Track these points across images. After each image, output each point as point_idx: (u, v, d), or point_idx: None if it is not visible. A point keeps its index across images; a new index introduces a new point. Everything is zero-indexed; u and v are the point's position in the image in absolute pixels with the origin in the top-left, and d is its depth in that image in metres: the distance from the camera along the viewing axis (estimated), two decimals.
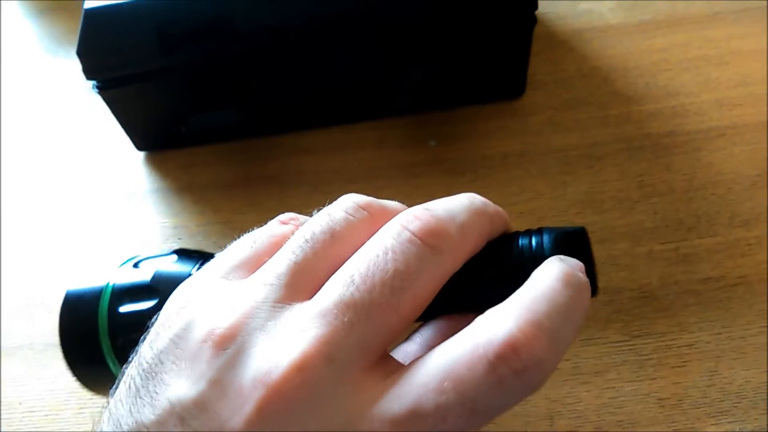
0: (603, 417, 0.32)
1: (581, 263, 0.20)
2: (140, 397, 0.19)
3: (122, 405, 0.20)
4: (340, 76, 0.41)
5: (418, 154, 0.42)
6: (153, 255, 0.32)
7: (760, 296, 0.34)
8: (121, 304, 0.29)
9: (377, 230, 0.21)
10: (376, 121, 0.44)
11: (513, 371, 0.17)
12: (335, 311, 0.19)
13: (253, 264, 0.22)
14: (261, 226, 0.37)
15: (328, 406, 0.18)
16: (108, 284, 0.30)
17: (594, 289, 0.20)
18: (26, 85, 0.49)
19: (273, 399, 0.18)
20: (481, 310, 0.19)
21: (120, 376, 0.21)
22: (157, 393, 0.19)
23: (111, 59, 0.38)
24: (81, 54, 0.37)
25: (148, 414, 0.19)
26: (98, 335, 0.29)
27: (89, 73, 0.38)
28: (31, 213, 0.43)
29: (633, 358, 0.33)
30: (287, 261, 0.21)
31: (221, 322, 0.20)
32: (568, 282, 0.19)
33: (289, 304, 0.20)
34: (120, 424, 0.19)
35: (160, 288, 0.29)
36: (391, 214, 0.22)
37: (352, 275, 0.20)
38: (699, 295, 0.34)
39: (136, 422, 0.19)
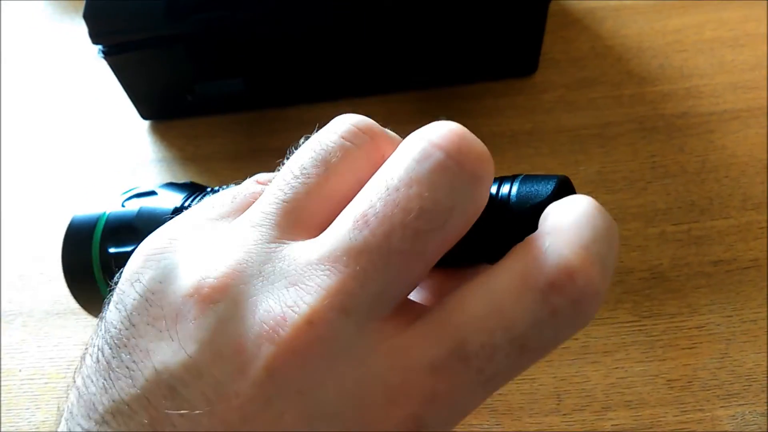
0: (611, 397, 0.31)
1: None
2: (113, 370, 0.16)
3: (92, 382, 0.17)
4: (349, 48, 0.40)
5: None
6: (151, 189, 0.31)
7: None
8: (109, 245, 0.29)
9: (382, 159, 0.18)
10: (386, 95, 0.43)
11: (569, 301, 0.15)
12: (345, 258, 0.16)
13: (233, 215, 0.19)
14: None
15: (350, 360, 0.15)
16: (104, 213, 0.30)
17: None
18: (31, 51, 0.48)
19: (284, 357, 0.15)
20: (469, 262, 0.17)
21: (85, 348, 0.18)
22: (134, 363, 0.16)
23: (118, 23, 0.37)
24: (87, 17, 0.37)
25: (127, 389, 0.16)
26: (92, 264, 0.29)
27: (95, 37, 0.37)
28: (33, 180, 0.42)
29: (642, 339, 0.33)
30: (275, 199, 0.18)
31: (209, 271, 0.17)
32: (602, 209, 0.16)
33: (287, 243, 0.17)
34: (94, 406, 0.16)
35: (142, 228, 0.28)
36: (398, 144, 0.18)
37: (366, 214, 0.16)
38: (710, 277, 0.34)
39: (113, 401, 0.16)
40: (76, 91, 0.46)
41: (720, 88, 0.41)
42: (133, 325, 0.17)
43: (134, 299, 0.17)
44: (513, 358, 0.15)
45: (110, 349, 0.17)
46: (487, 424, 0.31)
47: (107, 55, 0.38)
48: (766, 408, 0.30)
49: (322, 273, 0.16)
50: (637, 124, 0.40)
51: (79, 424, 0.16)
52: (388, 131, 0.19)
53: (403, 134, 0.41)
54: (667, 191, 0.37)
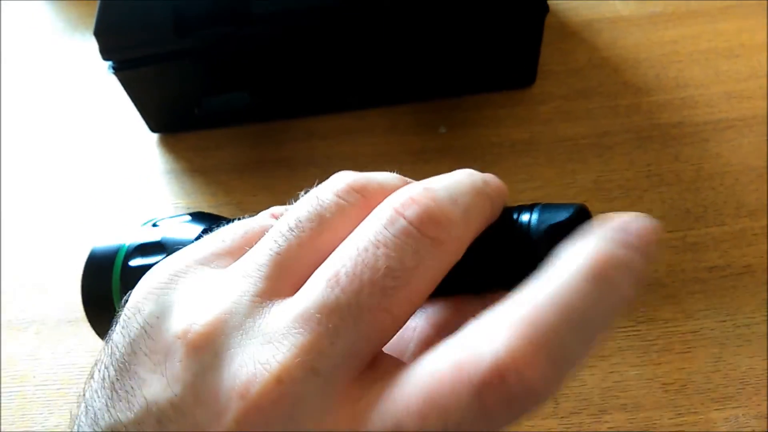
0: (607, 400, 0.32)
1: (647, 229, 0.16)
2: (115, 391, 0.18)
3: (98, 397, 0.18)
4: (351, 62, 0.41)
5: (428, 141, 0.42)
6: (172, 215, 0.32)
7: (764, 285, 0.34)
8: (131, 259, 0.30)
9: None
10: (388, 108, 0.44)
11: (500, 400, 0.15)
12: (318, 316, 0.17)
13: (237, 253, 0.20)
14: (271, 207, 0.38)
15: (312, 420, 0.16)
16: (124, 245, 0.31)
17: None
18: (41, 67, 0.50)
19: (251, 412, 0.16)
20: (487, 288, 0.18)
21: (94, 363, 0.20)
22: (132, 389, 0.18)
23: (128, 39, 0.39)
24: (98, 34, 0.38)
25: (126, 412, 0.18)
26: (111, 292, 0.30)
27: (106, 53, 0.39)
28: (45, 190, 0.44)
29: (638, 344, 0.33)
30: (269, 251, 0.19)
31: (197, 317, 0.18)
32: (603, 276, 0.15)
33: (270, 301, 0.18)
34: (97, 420, 0.18)
35: (168, 247, 0.30)
36: (388, 195, 0.19)
37: (338, 273, 0.17)
38: (705, 283, 0.35)
39: (114, 420, 0.18)
40: (85, 106, 0.47)
41: (715, 97, 0.42)
42: (134, 353, 0.18)
43: (136, 328, 0.19)
44: None
45: (114, 371, 0.18)
46: None
47: (117, 70, 0.40)
48: (758, 410, 0.31)
49: (296, 332, 0.17)
50: (633, 134, 0.40)
51: None
52: (385, 179, 0.20)
53: (406, 146, 0.42)
54: (663, 199, 0.38)
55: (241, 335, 0.17)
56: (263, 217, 0.22)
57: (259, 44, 0.39)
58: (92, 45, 0.38)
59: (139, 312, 0.19)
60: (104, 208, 0.42)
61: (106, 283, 0.30)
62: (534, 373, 0.14)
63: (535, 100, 0.43)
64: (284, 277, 0.18)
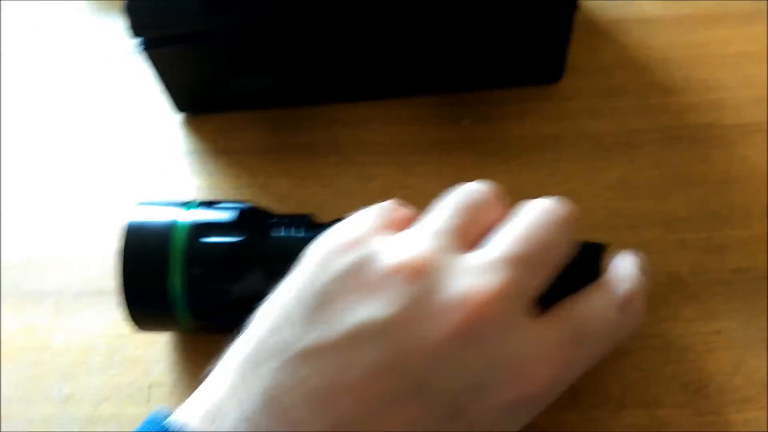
0: (626, 396, 0.32)
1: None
2: (313, 319, 0.22)
3: (289, 327, 0.22)
4: (376, 50, 0.41)
5: (451, 132, 0.42)
6: (217, 201, 0.33)
7: None
8: (204, 236, 0.30)
9: (500, 204, 0.27)
10: (412, 98, 0.44)
11: (632, 312, 0.27)
12: (514, 261, 0.24)
13: (396, 225, 0.26)
14: (292, 191, 0.40)
15: (515, 330, 0.23)
16: (176, 221, 0.31)
17: None
18: (66, 43, 0.50)
19: (472, 319, 0.22)
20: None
21: (258, 305, 0.24)
22: (338, 313, 0.22)
23: (158, 17, 0.39)
24: (130, 9, 0.38)
25: (331, 331, 0.21)
26: (167, 264, 0.30)
27: (136, 29, 0.39)
28: (65, 167, 0.44)
29: (659, 342, 0.33)
30: (445, 219, 0.26)
31: (412, 255, 0.23)
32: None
33: (459, 251, 0.24)
34: (286, 345, 0.21)
35: (247, 226, 0.31)
36: (503, 201, 0.28)
37: (522, 236, 0.25)
38: (729, 284, 0.34)
39: (313, 341, 0.21)
40: (107, 84, 0.47)
41: (744, 101, 0.41)
42: (338, 288, 0.22)
43: (341, 269, 0.23)
44: (603, 343, 0.26)
45: (314, 300, 0.22)
46: None
47: (146, 48, 0.40)
48: None
49: (497, 269, 0.23)
50: (660, 134, 0.40)
51: (257, 364, 0.22)
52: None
53: (429, 136, 0.42)
54: (689, 200, 0.37)
55: (449, 269, 0.23)
56: (392, 204, 0.28)
57: (289, 27, 0.39)
58: (116, 22, 0.38)
59: (346, 255, 0.23)
60: (124, 184, 0.42)
61: (158, 256, 0.30)
62: (640, 296, 0.28)
63: (562, 97, 0.43)
64: (461, 239, 0.25)
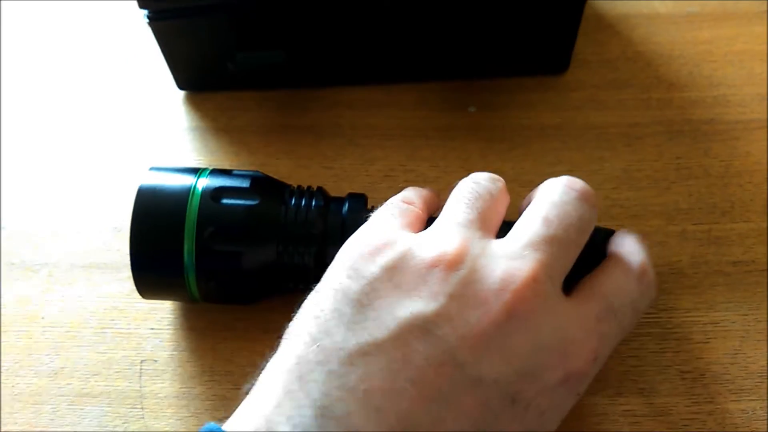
0: (624, 383, 0.32)
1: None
2: (356, 324, 0.22)
3: (328, 338, 0.22)
4: (384, 34, 0.41)
5: (457, 119, 0.42)
6: (228, 169, 0.33)
7: None
8: (221, 199, 0.30)
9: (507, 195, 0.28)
10: (418, 83, 0.44)
11: (647, 282, 0.27)
12: (545, 243, 0.24)
13: (419, 223, 0.27)
14: (293, 171, 0.40)
15: (554, 309, 0.23)
16: (193, 185, 0.31)
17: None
18: (70, 15, 0.50)
19: (517, 302, 0.22)
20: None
21: (294, 318, 0.24)
22: (382, 314, 0.22)
23: None
24: None
25: (376, 333, 0.21)
26: (183, 225, 0.29)
27: (143, 1, 0.38)
28: (65, 139, 0.43)
29: (657, 330, 0.33)
30: (467, 209, 0.26)
31: (446, 248, 0.23)
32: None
33: (489, 238, 0.25)
34: (327, 355, 0.21)
35: (260, 191, 0.31)
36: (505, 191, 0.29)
37: (549, 218, 0.25)
38: (728, 276, 0.35)
39: (358, 343, 0.21)
40: (112, 59, 0.47)
41: (748, 98, 0.41)
42: (375, 290, 0.22)
43: (376, 271, 0.23)
44: (631, 314, 0.26)
45: (350, 308, 0.22)
46: None
47: (153, 20, 0.39)
48: None
49: (532, 252, 0.24)
50: (664, 127, 0.40)
51: (300, 379, 0.21)
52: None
53: (434, 122, 0.42)
54: (690, 192, 0.38)
55: (484, 257, 0.24)
56: (414, 191, 0.30)
57: (298, 1, 0.39)
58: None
59: (380, 256, 0.24)
60: (124, 159, 0.42)
61: (175, 218, 0.30)
62: (652, 272, 0.28)
63: (568, 87, 0.43)
64: (485, 226, 0.26)
